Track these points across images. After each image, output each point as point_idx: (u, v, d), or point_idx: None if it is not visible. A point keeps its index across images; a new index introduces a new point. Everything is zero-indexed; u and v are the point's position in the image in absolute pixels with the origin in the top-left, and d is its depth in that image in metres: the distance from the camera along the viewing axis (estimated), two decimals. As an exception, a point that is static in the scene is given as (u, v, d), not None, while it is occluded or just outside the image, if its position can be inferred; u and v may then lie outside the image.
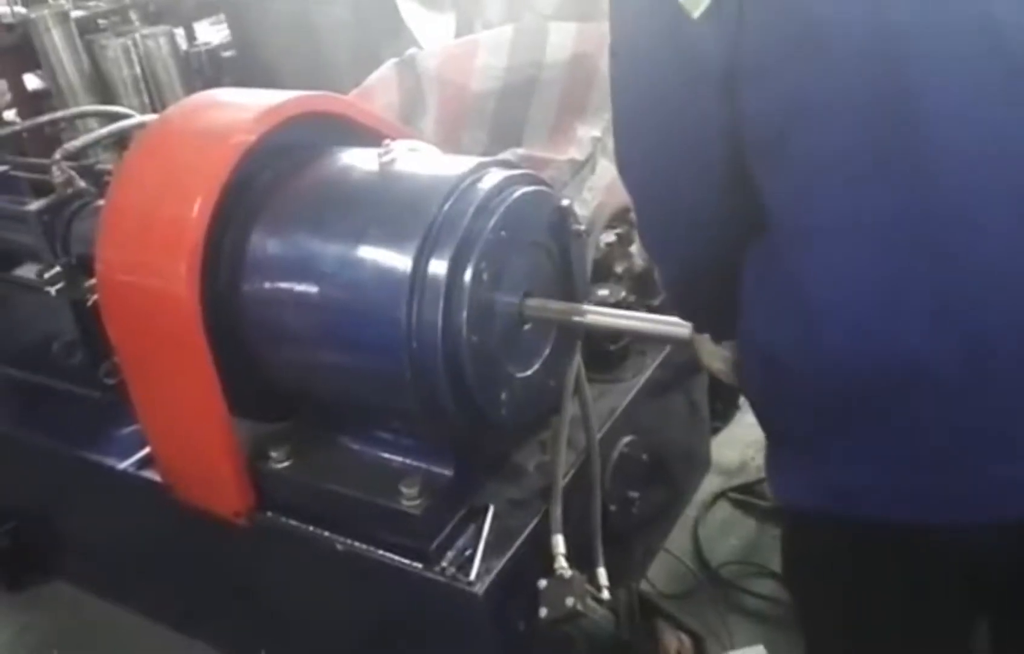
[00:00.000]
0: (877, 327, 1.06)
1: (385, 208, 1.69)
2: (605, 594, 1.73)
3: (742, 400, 2.71)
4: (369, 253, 1.65)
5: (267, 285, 1.79)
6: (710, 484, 2.61)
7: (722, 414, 2.71)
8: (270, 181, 1.83)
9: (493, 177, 1.68)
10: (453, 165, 1.74)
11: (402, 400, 1.68)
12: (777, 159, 1.09)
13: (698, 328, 1.56)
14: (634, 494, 2.03)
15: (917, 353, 1.04)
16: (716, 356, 1.55)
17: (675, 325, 1.67)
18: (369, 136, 1.97)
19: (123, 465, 2.15)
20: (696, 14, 1.04)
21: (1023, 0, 1.00)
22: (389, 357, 1.62)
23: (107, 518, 2.35)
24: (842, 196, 1.06)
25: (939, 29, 1.00)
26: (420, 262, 1.58)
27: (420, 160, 1.81)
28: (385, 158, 1.73)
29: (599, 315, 1.81)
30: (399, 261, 1.59)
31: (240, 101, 1.96)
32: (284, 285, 1.78)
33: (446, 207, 1.60)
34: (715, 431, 2.70)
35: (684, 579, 2.33)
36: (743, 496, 2.57)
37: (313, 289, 1.72)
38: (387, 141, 1.76)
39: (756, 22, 1.04)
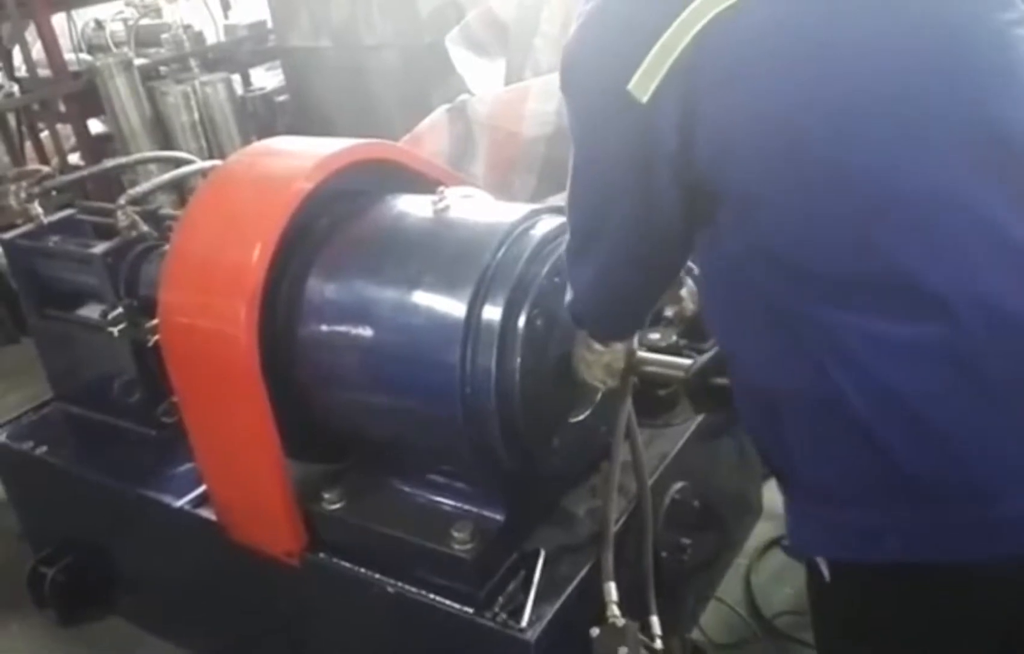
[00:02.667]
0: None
1: (440, 255, 1.71)
2: (658, 644, 1.71)
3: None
4: (424, 299, 1.67)
5: (323, 329, 1.83)
6: (762, 531, 2.56)
7: (774, 460, 2.67)
8: (327, 227, 1.87)
9: (546, 224, 1.69)
10: (506, 212, 1.77)
11: (454, 445, 1.69)
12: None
13: (593, 334, 1.60)
14: (686, 541, 2.01)
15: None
16: (599, 364, 1.63)
17: None
18: (423, 182, 2.01)
19: (179, 503, 2.18)
20: (644, 100, 1.06)
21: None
22: (442, 402, 1.64)
23: (162, 555, 2.39)
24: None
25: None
26: (474, 308, 1.59)
27: (474, 207, 1.84)
28: (439, 205, 1.75)
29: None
30: (453, 307, 1.61)
31: (298, 149, 2.02)
32: (340, 329, 1.81)
33: (500, 254, 1.62)
34: (766, 477, 2.66)
35: (737, 629, 2.28)
36: (797, 544, 2.51)
37: (368, 333, 1.75)
38: (441, 188, 1.79)
39: (709, 113, 1.06)
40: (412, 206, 1.88)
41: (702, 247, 1.21)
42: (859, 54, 1.04)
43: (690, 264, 2.10)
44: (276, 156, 2.03)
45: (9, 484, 2.87)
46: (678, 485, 2.00)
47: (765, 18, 1.03)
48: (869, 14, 1.05)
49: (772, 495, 2.66)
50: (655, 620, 1.75)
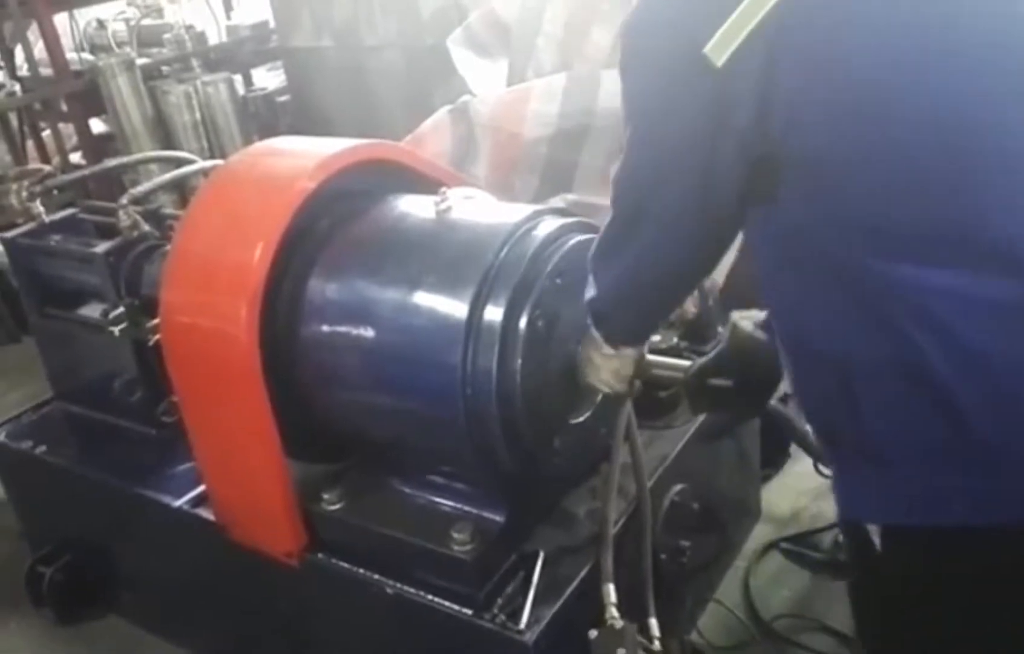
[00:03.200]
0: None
1: (441, 255, 1.71)
2: (657, 645, 1.71)
3: (793, 448, 2.67)
4: (425, 299, 1.68)
5: (324, 329, 1.83)
6: (761, 534, 2.56)
7: (772, 462, 2.68)
8: (329, 227, 1.88)
9: (548, 225, 1.69)
10: (508, 213, 1.77)
11: (455, 445, 1.70)
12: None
13: (609, 339, 1.53)
14: (685, 543, 2.01)
15: None
16: (609, 367, 1.58)
17: None
18: (424, 183, 2.01)
19: (178, 503, 2.18)
20: (720, 63, 1.04)
21: None
22: (443, 402, 1.64)
23: (161, 554, 2.39)
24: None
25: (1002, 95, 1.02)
26: (476, 309, 1.60)
27: (476, 208, 1.84)
28: (441, 205, 1.76)
29: None
30: (455, 308, 1.62)
31: (300, 149, 2.02)
32: (341, 329, 1.81)
33: (502, 255, 1.62)
34: (765, 479, 2.67)
35: (736, 632, 2.28)
36: (796, 547, 2.51)
37: (369, 334, 1.75)
38: (443, 189, 1.79)
39: (788, 80, 1.05)
40: (414, 206, 1.88)
41: (757, 223, 1.18)
42: (953, 11, 1.02)
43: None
44: (278, 156, 2.03)
45: (8, 483, 2.87)
46: (677, 487, 2.00)
47: None
48: None
49: (771, 497, 2.67)
50: (653, 622, 1.75)
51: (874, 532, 1.19)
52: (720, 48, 1.03)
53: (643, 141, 1.21)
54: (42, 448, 2.61)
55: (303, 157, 1.93)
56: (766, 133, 1.07)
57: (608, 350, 1.56)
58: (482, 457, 1.67)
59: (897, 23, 1.02)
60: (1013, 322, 1.03)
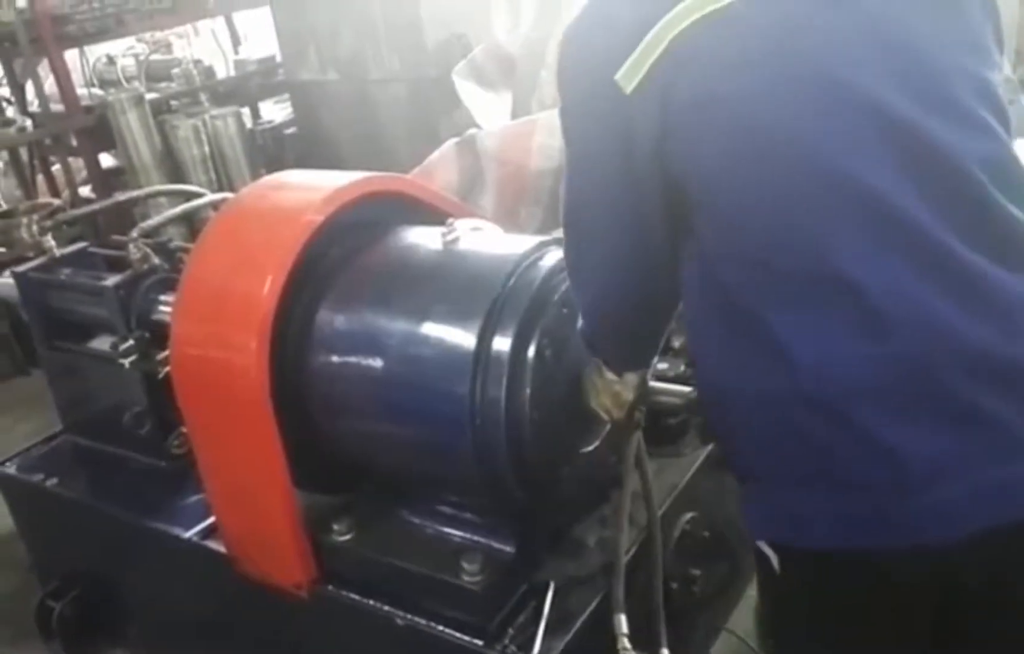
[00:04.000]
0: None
1: (450, 286, 1.72)
2: (669, 676, 1.70)
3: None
4: (434, 330, 1.68)
5: (334, 360, 1.84)
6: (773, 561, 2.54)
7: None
8: (338, 259, 1.89)
9: (555, 255, 1.70)
10: (515, 243, 1.78)
11: (464, 475, 1.70)
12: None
13: (607, 363, 1.58)
14: (696, 571, 2.00)
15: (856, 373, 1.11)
16: (608, 393, 1.61)
17: None
18: (432, 214, 2.02)
19: (187, 534, 2.18)
20: (628, 91, 1.12)
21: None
22: (452, 433, 1.64)
23: (171, 587, 2.38)
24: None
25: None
26: (484, 339, 1.60)
27: (483, 239, 1.85)
28: (449, 237, 1.77)
29: None
30: (463, 338, 1.62)
31: (309, 183, 2.04)
32: (350, 360, 1.82)
33: (509, 285, 1.63)
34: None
35: (747, 661, 2.26)
36: (807, 575, 2.49)
37: (378, 364, 1.76)
38: (451, 220, 1.81)
39: (682, 115, 1.12)
40: (422, 238, 1.89)
41: (683, 259, 1.27)
42: (819, 47, 1.10)
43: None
44: (287, 189, 2.05)
45: (18, 516, 2.87)
46: (688, 515, 2.00)
47: (743, 20, 1.09)
48: (839, 12, 1.11)
49: (782, 525, 2.66)
50: (665, 652, 1.74)
51: (769, 550, 1.26)
52: (629, 76, 1.12)
53: (573, 158, 1.31)
54: (52, 481, 2.62)
55: (312, 190, 1.95)
56: (669, 163, 1.16)
57: (610, 375, 1.60)
58: (491, 487, 1.67)
59: (770, 57, 1.10)
60: (857, 362, 1.10)
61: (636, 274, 1.33)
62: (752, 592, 2.45)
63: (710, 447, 2.10)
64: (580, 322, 1.49)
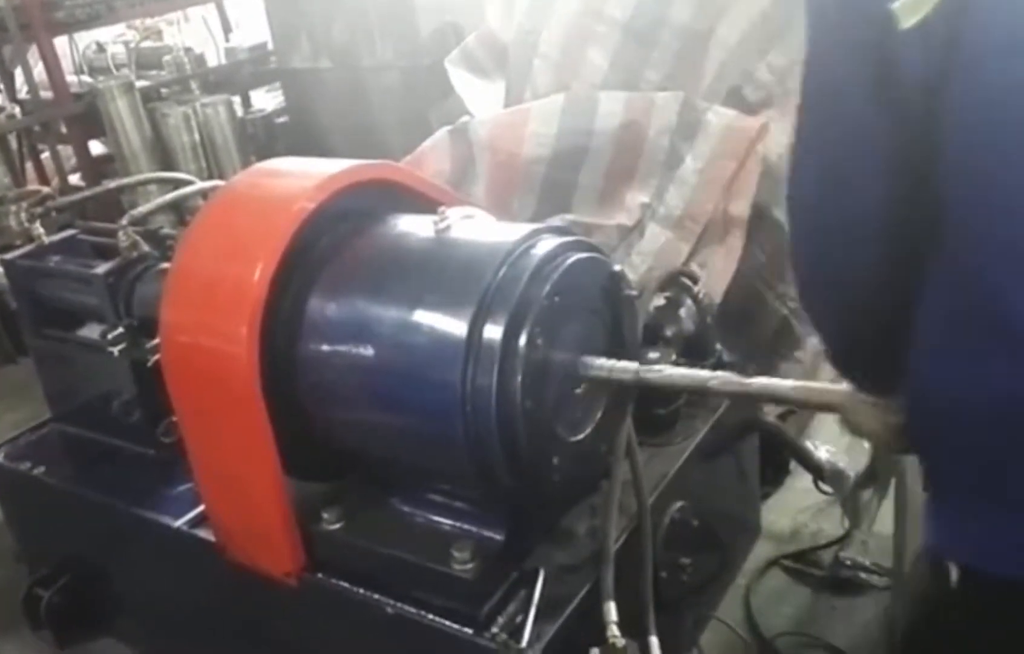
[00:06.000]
0: None
1: (441, 274, 1.72)
2: (657, 664, 1.70)
3: (793, 465, 2.67)
4: (425, 318, 1.68)
5: (324, 348, 1.83)
6: (762, 551, 2.56)
7: (772, 480, 2.68)
8: (329, 247, 1.88)
9: (547, 244, 1.70)
10: (507, 232, 1.77)
11: (455, 464, 1.69)
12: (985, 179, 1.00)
13: (861, 386, 1.40)
14: (685, 560, 2.01)
15: None
16: (874, 417, 1.39)
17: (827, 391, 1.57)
18: (424, 202, 2.01)
19: (177, 523, 2.18)
20: (905, 24, 0.95)
21: None
22: (443, 421, 1.64)
23: (160, 575, 2.38)
24: None
25: None
26: (475, 328, 1.60)
27: (475, 227, 1.85)
28: (441, 225, 1.76)
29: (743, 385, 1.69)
30: (455, 326, 1.62)
31: (301, 170, 2.03)
32: (341, 348, 1.81)
33: (501, 273, 1.63)
34: (765, 497, 2.67)
35: (736, 649, 2.27)
36: (797, 564, 2.51)
37: (369, 353, 1.75)
38: (442, 208, 1.80)
39: (969, 60, 0.95)
40: (413, 226, 1.88)
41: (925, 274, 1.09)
42: None
43: (688, 280, 2.14)
44: (278, 177, 2.04)
45: (6, 505, 2.85)
46: (677, 504, 2.00)
47: None
48: None
49: (771, 515, 2.67)
50: (654, 640, 1.74)
51: (953, 567, 1.14)
52: (911, 8, 0.95)
53: (816, 105, 1.13)
54: (40, 469, 2.60)
55: (303, 177, 1.94)
56: (940, 121, 0.99)
57: (870, 398, 1.40)
58: (482, 475, 1.67)
59: None
60: None
61: (898, 249, 1.12)
62: (741, 580, 2.47)
63: (700, 436, 2.11)
64: (823, 339, 1.30)
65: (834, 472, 2.33)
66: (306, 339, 1.83)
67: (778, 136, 2.43)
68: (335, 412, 1.86)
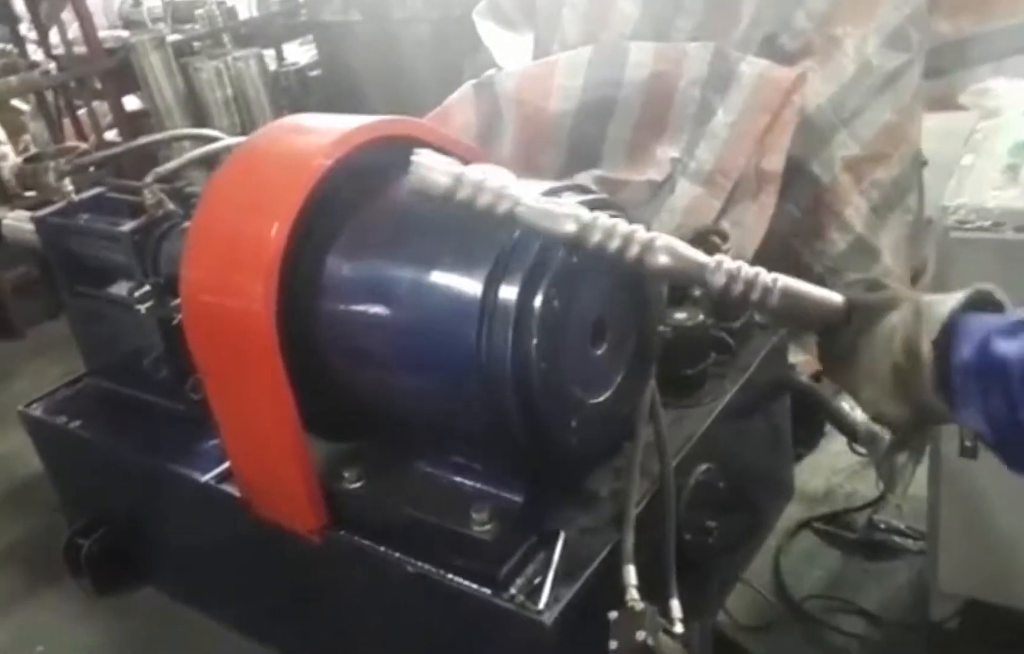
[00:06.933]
0: None
1: (457, 232, 1.68)
2: (679, 627, 1.67)
3: (828, 426, 2.61)
4: (441, 277, 1.65)
5: (341, 306, 1.81)
6: (793, 513, 2.51)
7: (805, 441, 2.62)
8: (347, 204, 1.85)
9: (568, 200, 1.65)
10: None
11: (472, 425, 1.68)
12: None
13: None
14: (711, 523, 1.97)
15: None
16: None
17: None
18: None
19: (205, 478, 2.20)
20: None
21: None
22: (459, 382, 1.62)
23: (190, 527, 2.42)
24: None
25: None
26: (490, 288, 1.56)
27: (493, 183, 1.80)
28: (458, 182, 1.72)
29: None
30: (469, 286, 1.59)
31: (319, 126, 2.00)
32: (357, 306, 1.80)
33: (517, 232, 1.59)
34: (798, 458, 2.61)
35: (764, 612, 2.25)
36: (828, 526, 2.46)
37: (385, 311, 1.73)
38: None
39: None
40: (431, 183, 1.84)
41: None
42: None
43: (717, 238, 2.08)
44: (297, 133, 2.01)
45: (45, 457, 2.92)
46: (703, 466, 1.96)
47: None
48: None
49: (804, 476, 2.61)
50: (675, 604, 1.72)
51: None
52: None
53: None
54: (76, 423, 2.65)
55: (322, 134, 1.91)
56: None
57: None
58: (499, 437, 1.65)
59: None
60: None
61: None
62: (772, 542, 2.43)
63: (728, 397, 2.05)
64: None
65: (869, 434, 2.27)
66: (324, 296, 1.82)
67: (817, 85, 2.33)
68: (353, 369, 1.86)
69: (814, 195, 2.31)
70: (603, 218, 1.45)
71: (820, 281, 2.38)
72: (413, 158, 1.50)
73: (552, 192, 1.68)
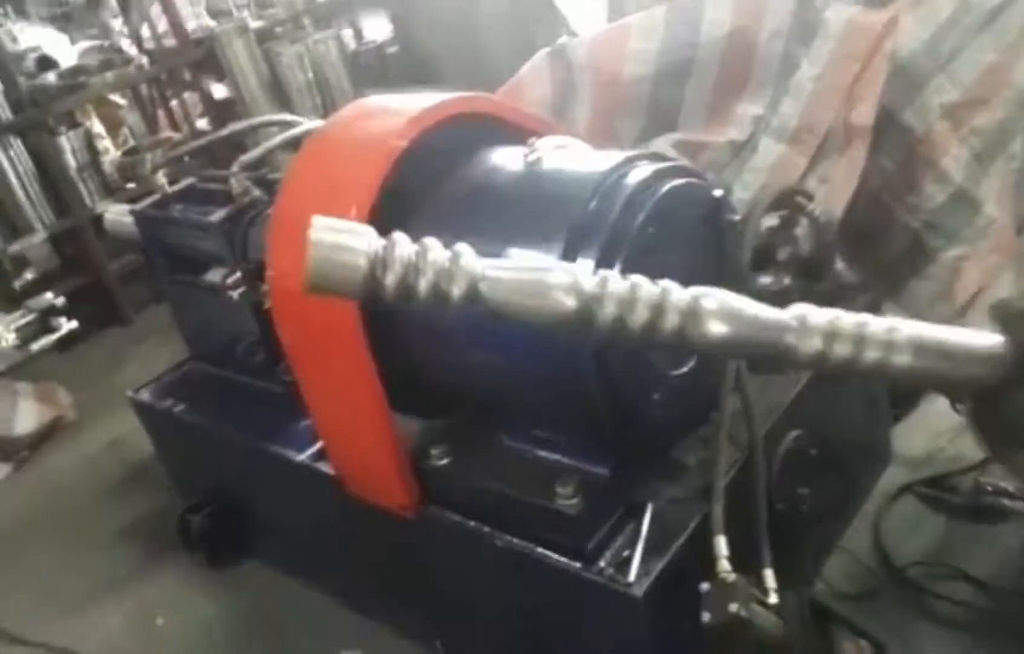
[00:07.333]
0: None
1: (531, 208, 1.68)
2: (773, 598, 1.64)
3: (928, 386, 2.49)
4: (517, 254, 1.65)
5: (422, 287, 1.83)
6: (894, 477, 2.40)
7: (905, 402, 2.51)
8: (422, 185, 1.87)
9: (640, 172, 1.62)
10: (600, 161, 1.70)
11: (555, 402, 1.68)
12: None
13: None
14: (803, 491, 1.92)
15: None
16: None
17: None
18: (518, 133, 1.96)
19: (301, 457, 2.27)
20: None
21: None
22: (541, 359, 1.62)
23: (291, 505, 2.51)
24: None
25: None
26: (566, 261, 1.55)
27: (566, 157, 1.78)
28: (531, 158, 1.71)
29: None
30: (545, 261, 1.58)
31: (392, 108, 2.01)
32: (438, 287, 1.81)
33: (592, 205, 1.57)
34: (896, 419, 2.51)
35: (864, 579, 2.16)
36: (931, 491, 2.35)
37: (464, 291, 1.74)
38: (532, 139, 1.75)
39: None
40: (505, 159, 1.84)
41: None
42: None
43: (803, 198, 2.00)
44: (370, 117, 2.03)
45: (156, 439, 3.08)
46: (793, 434, 1.91)
47: None
48: None
49: (905, 439, 2.50)
50: (769, 573, 1.68)
51: None
52: None
53: None
54: (181, 407, 2.79)
55: (395, 115, 1.92)
56: None
57: None
58: (582, 411, 1.64)
59: None
60: None
61: None
62: (870, 508, 2.34)
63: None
64: None
65: (972, 393, 2.16)
66: (405, 279, 1.84)
67: (910, 28, 2.20)
68: (435, 351, 1.88)
69: (908, 146, 2.19)
70: (616, 281, 1.07)
71: (916, 238, 2.30)
72: (311, 231, 1.16)
73: (627, 162, 1.65)
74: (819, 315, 1.02)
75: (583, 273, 1.07)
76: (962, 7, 2.13)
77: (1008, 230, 2.17)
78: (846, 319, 1.00)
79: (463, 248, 1.12)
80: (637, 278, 1.07)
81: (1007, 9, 2.08)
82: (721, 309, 1.00)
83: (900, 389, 2.27)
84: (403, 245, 1.12)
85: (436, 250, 1.12)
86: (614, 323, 1.04)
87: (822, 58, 2.20)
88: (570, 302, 1.05)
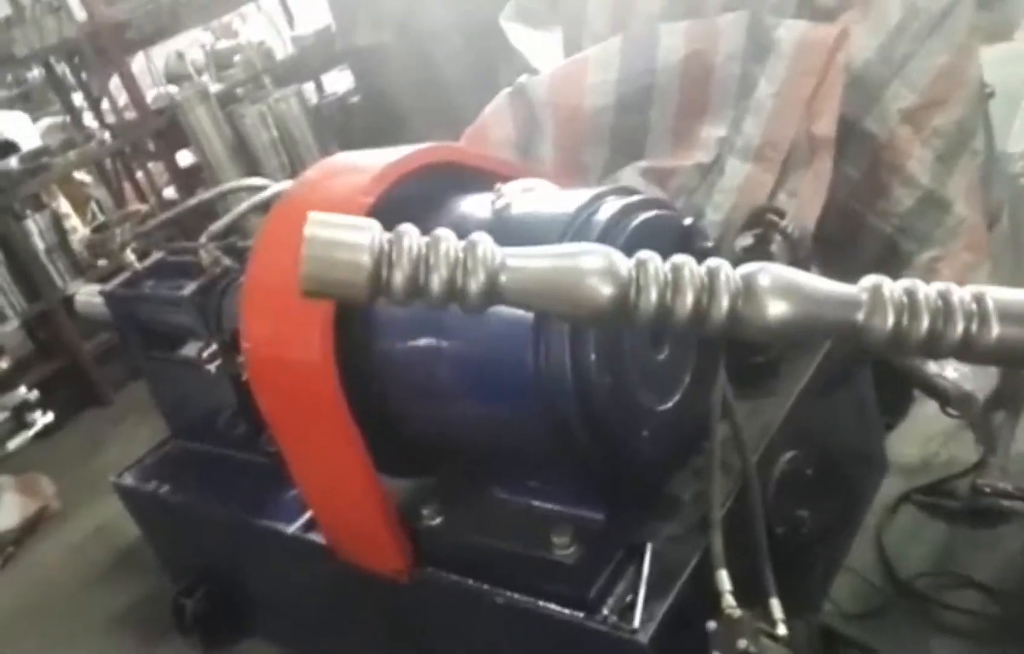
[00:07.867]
0: None
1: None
2: (781, 629, 1.60)
3: (917, 391, 2.47)
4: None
5: (397, 344, 1.80)
6: (891, 487, 2.38)
7: (895, 409, 2.49)
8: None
9: (609, 207, 1.60)
10: (567, 201, 1.68)
11: (542, 448, 1.64)
12: None
13: None
14: (802, 512, 1.89)
15: None
16: None
17: None
18: (484, 179, 1.94)
19: (291, 529, 2.22)
20: None
21: None
22: (523, 405, 1.59)
23: (285, 578, 2.44)
24: None
25: None
26: (543, 309, 1.52)
27: (534, 200, 1.76)
28: (498, 204, 1.69)
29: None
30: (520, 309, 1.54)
31: (358, 165, 1.98)
32: (412, 342, 1.78)
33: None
34: (888, 428, 2.49)
35: (871, 597, 2.13)
36: (929, 497, 2.33)
37: (440, 343, 1.71)
38: (498, 185, 1.73)
39: None
40: (472, 208, 1.82)
41: None
42: None
43: (775, 215, 1.99)
44: (335, 176, 2.00)
45: (141, 523, 3.01)
46: (787, 455, 1.88)
47: None
48: None
49: (898, 447, 2.48)
50: (775, 603, 1.64)
51: None
52: None
53: None
54: (166, 488, 2.73)
55: (359, 172, 1.90)
56: None
57: None
58: (570, 456, 1.61)
59: None
60: None
61: None
62: (872, 522, 2.31)
63: (805, 380, 1.96)
64: None
65: (961, 395, 2.14)
66: (379, 336, 1.81)
67: (862, 38, 2.21)
68: (415, 406, 1.84)
69: (872, 153, 2.19)
70: (656, 262, 0.95)
71: (889, 243, 2.29)
72: (306, 227, 1.02)
73: (595, 199, 1.62)
74: (894, 286, 0.90)
75: (618, 255, 0.95)
76: (910, 13, 2.14)
77: (979, 228, 2.16)
78: (925, 290, 0.90)
79: (480, 236, 1.01)
80: (679, 258, 0.95)
81: (953, 11, 2.10)
82: (776, 285, 0.88)
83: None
84: (412, 237, 0.99)
85: (449, 241, 1.00)
86: (657, 311, 0.92)
87: (778, 76, 2.21)
88: (606, 290, 0.93)
